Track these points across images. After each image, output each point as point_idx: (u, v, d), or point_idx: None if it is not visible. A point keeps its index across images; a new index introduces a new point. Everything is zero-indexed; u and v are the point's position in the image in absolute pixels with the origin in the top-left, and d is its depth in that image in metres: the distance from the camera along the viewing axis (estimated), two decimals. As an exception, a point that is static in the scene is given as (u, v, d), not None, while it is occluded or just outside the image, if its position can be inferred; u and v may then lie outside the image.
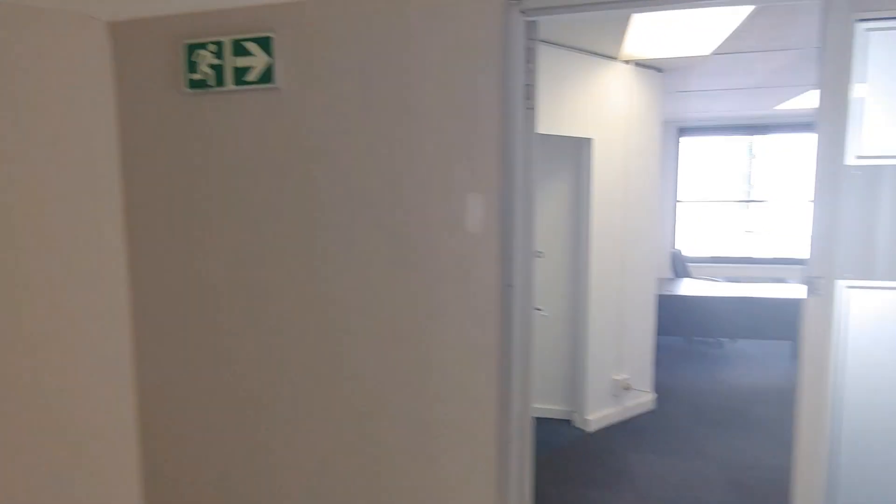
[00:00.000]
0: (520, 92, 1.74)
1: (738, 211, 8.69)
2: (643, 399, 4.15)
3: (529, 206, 1.86)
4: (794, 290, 5.21)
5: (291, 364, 1.92)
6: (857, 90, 1.63)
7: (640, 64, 3.81)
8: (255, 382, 1.98)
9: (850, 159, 1.57)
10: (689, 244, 7.44)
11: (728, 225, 9.25)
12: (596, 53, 3.60)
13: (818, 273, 1.57)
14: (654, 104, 3.99)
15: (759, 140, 8.71)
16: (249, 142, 1.93)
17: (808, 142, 7.33)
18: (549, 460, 3.39)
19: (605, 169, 3.72)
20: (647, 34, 3.24)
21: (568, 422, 3.95)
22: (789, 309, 5.16)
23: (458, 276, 1.79)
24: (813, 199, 1.60)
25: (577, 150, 3.81)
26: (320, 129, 1.84)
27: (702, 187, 8.60)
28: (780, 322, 5.20)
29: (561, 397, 4.00)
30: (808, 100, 5.19)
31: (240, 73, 1.92)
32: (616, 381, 3.94)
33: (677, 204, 7.05)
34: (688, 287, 5.45)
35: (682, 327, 5.33)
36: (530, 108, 1.80)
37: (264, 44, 1.88)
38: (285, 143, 1.89)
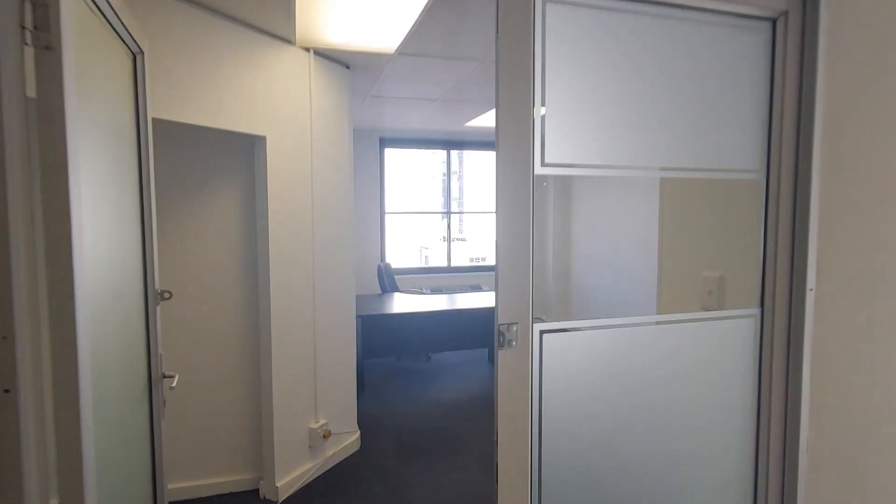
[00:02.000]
0: (11, 12, 0.90)
1: (438, 222, 9.13)
2: (347, 441, 3.61)
3: (64, 227, 1.01)
4: (487, 299, 5.44)
5: None
6: (539, 110, 1.30)
7: (323, 54, 3.26)
8: None
9: (538, 168, 1.22)
10: (396, 256, 7.39)
11: (430, 236, 9.66)
12: (268, 33, 2.90)
13: (511, 318, 1.18)
14: (343, 104, 3.50)
15: (455, 154, 9.24)
16: None
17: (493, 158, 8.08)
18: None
19: (285, 175, 3.04)
20: (319, 13, 2.69)
21: (255, 492, 3.13)
22: (484, 318, 5.35)
23: None
24: (497, 227, 1.19)
25: (246, 151, 3.04)
26: None
27: (407, 199, 8.72)
28: (477, 331, 5.36)
29: (245, 465, 3.15)
30: (492, 119, 5.51)
31: None
32: (313, 431, 3.29)
33: (385, 216, 6.88)
34: (395, 303, 5.20)
35: (391, 347, 5.04)
36: (49, 49, 0.96)
37: None
38: None
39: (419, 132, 6.62)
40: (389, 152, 6.95)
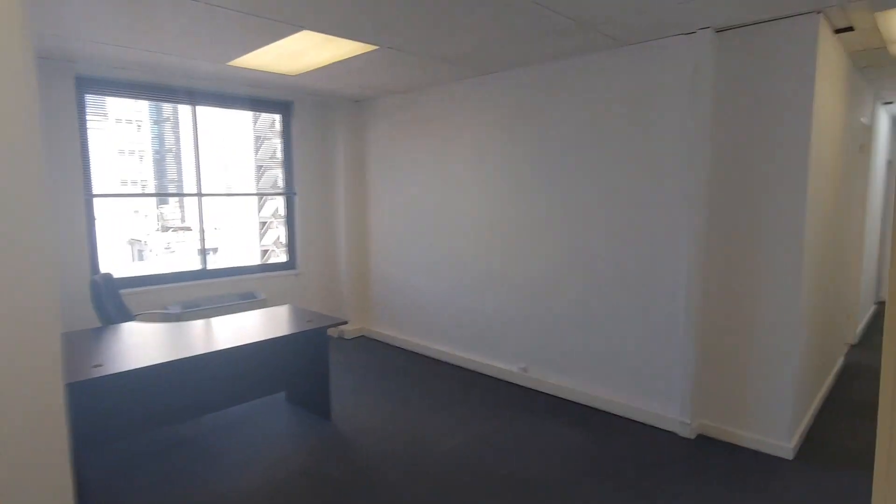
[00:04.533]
0: None
1: (154, 208, 6.88)
2: None
3: None
4: (281, 325, 3.77)
5: None
6: None
7: None
8: None
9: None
10: (112, 262, 4.95)
11: (143, 225, 7.29)
12: None
13: None
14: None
15: (169, 128, 7.08)
16: None
17: (255, 120, 6.19)
18: None
19: None
20: None
21: None
22: (278, 349, 3.67)
23: None
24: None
25: None
26: None
27: (109, 176, 6.29)
28: (271, 369, 3.66)
29: None
30: (276, 56, 3.73)
31: None
32: None
33: (94, 200, 4.39)
34: (133, 346, 3.10)
35: (132, 423, 2.98)
36: None
37: None
38: None
39: (141, 67, 4.36)
40: (92, 100, 4.46)
